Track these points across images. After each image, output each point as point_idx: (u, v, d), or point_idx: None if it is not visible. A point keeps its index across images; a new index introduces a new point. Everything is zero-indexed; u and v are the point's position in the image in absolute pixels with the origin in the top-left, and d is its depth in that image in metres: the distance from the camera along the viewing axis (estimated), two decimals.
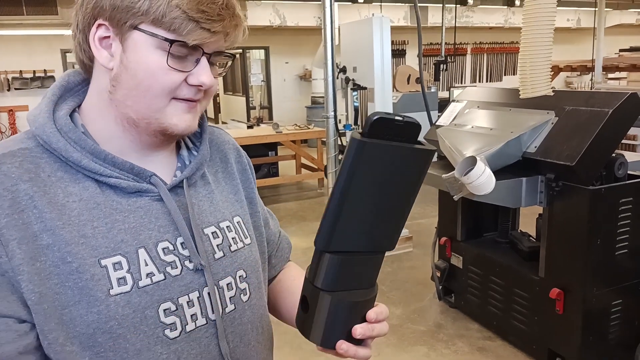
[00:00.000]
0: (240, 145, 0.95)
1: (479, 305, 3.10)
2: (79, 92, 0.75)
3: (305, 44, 10.63)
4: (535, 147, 2.48)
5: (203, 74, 0.67)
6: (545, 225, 2.53)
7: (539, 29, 2.42)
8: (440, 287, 3.40)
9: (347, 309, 0.63)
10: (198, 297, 0.71)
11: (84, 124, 0.71)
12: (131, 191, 0.69)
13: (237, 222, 0.82)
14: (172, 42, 0.64)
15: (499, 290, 2.93)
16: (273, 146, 7.00)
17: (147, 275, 0.67)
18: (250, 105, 11.40)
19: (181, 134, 0.71)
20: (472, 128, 2.86)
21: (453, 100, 3.39)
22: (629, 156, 2.60)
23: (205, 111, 0.80)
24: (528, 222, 3.31)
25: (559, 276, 2.50)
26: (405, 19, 10.23)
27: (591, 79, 7.44)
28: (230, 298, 0.75)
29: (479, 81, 12.61)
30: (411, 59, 11.57)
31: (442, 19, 8.41)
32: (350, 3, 9.14)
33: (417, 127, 0.57)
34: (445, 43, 8.61)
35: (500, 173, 2.39)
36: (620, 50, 8.68)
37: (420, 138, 0.59)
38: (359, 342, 0.66)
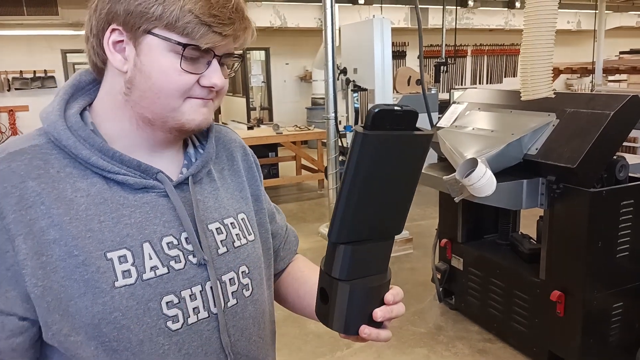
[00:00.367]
0: None
1: (480, 307, 3.10)
2: (89, 91, 0.77)
3: (305, 45, 10.64)
4: (536, 149, 2.48)
5: (215, 76, 0.70)
6: (546, 228, 2.53)
7: (540, 31, 2.42)
8: (441, 289, 3.40)
9: (365, 295, 0.66)
10: (200, 291, 0.73)
11: (94, 122, 0.73)
12: (138, 187, 0.72)
13: (242, 219, 0.84)
14: (185, 45, 0.67)
15: (499, 292, 2.92)
16: (273, 147, 7.00)
17: (151, 268, 0.69)
18: (251, 106, 11.40)
19: (197, 128, 0.74)
20: (473, 130, 2.86)
21: (454, 102, 3.38)
22: (630, 158, 2.60)
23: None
24: (528, 224, 3.31)
25: (559, 278, 2.49)
26: (405, 20, 10.23)
27: (591, 82, 7.45)
28: (232, 293, 0.77)
29: (479, 83, 12.62)
30: (411, 60, 11.58)
31: (443, 20, 8.42)
32: (350, 4, 9.14)
33: (415, 114, 0.60)
34: (446, 45, 8.62)
35: (501, 175, 2.39)
36: (621, 53, 8.69)
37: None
38: (378, 325, 0.68)
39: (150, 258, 0.70)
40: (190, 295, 0.72)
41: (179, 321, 0.71)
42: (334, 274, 0.64)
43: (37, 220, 0.64)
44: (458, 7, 9.37)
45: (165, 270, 0.70)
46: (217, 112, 12.77)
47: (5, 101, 8.60)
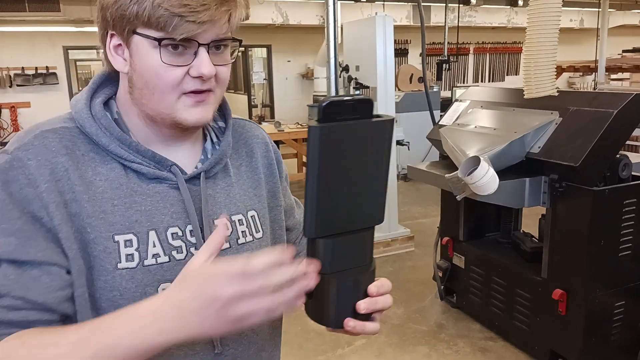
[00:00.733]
0: None
1: (481, 306, 3.10)
2: (117, 81, 0.80)
3: (307, 42, 10.61)
4: (539, 147, 2.47)
5: (202, 65, 0.70)
6: (549, 226, 2.52)
7: (544, 28, 2.41)
8: (442, 287, 3.40)
9: (347, 288, 0.65)
10: None
11: (119, 112, 0.78)
12: (151, 177, 0.75)
13: (251, 217, 0.85)
14: (159, 40, 0.68)
15: (501, 291, 2.92)
16: (275, 144, 6.99)
17: (153, 255, 0.72)
18: (252, 103, 11.39)
19: (194, 126, 0.75)
20: (475, 128, 2.85)
21: (456, 100, 3.38)
22: (633, 157, 2.59)
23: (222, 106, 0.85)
24: (530, 222, 3.31)
25: (561, 277, 2.49)
26: (408, 18, 10.20)
27: (594, 80, 7.42)
28: None
29: (482, 81, 12.59)
30: (413, 58, 11.55)
31: (445, 18, 8.39)
32: (353, 2, 9.11)
33: (369, 102, 0.60)
34: (448, 43, 8.60)
35: (503, 173, 2.38)
36: (624, 51, 8.66)
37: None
38: (366, 318, 0.68)
39: (154, 246, 0.73)
40: None
41: None
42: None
43: (64, 193, 0.69)
44: (460, 5, 9.35)
45: (166, 259, 0.73)
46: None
47: (7, 97, 8.59)
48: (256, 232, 0.84)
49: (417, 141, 4.90)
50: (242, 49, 11.01)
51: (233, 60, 0.76)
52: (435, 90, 7.35)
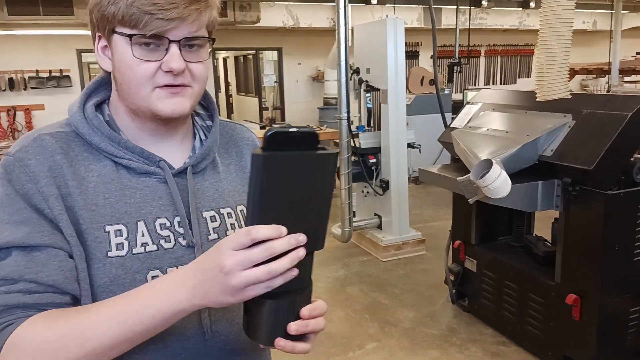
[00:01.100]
0: None
1: (493, 310, 3.07)
2: (110, 86, 0.85)
3: (317, 45, 10.62)
4: (552, 150, 2.45)
5: (172, 60, 0.74)
6: (562, 230, 2.50)
7: (557, 30, 2.39)
8: (454, 290, 3.38)
9: (282, 309, 0.68)
10: None
11: (111, 114, 0.84)
12: (140, 172, 0.80)
13: (240, 211, 0.89)
14: (131, 36, 0.73)
15: (513, 295, 2.89)
16: None
17: (142, 244, 0.77)
18: (263, 106, 11.42)
19: (172, 116, 0.79)
20: (487, 131, 2.83)
21: (468, 103, 3.36)
22: None
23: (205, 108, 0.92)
24: (543, 226, 3.28)
25: (575, 282, 2.46)
26: (418, 20, 10.18)
27: (607, 82, 7.35)
28: None
29: (493, 83, 12.52)
30: (424, 60, 11.52)
31: (456, 21, 8.36)
32: (363, 4, 9.11)
33: (314, 135, 0.63)
34: (459, 45, 8.56)
35: (515, 176, 2.36)
36: (637, 53, 8.57)
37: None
38: (299, 338, 0.70)
39: (143, 235, 0.77)
40: None
41: None
42: None
43: (60, 188, 0.75)
44: (472, 7, 9.31)
45: (154, 247, 0.78)
46: (230, 111, 12.82)
47: (21, 100, 8.70)
48: (245, 226, 0.86)
49: (428, 144, 4.88)
50: (253, 51, 11.06)
51: (207, 58, 0.80)
52: (446, 92, 7.32)
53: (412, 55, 11.11)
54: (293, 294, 0.68)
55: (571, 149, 2.38)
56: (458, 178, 2.46)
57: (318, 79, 11.03)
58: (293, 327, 0.68)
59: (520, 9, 10.68)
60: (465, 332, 3.13)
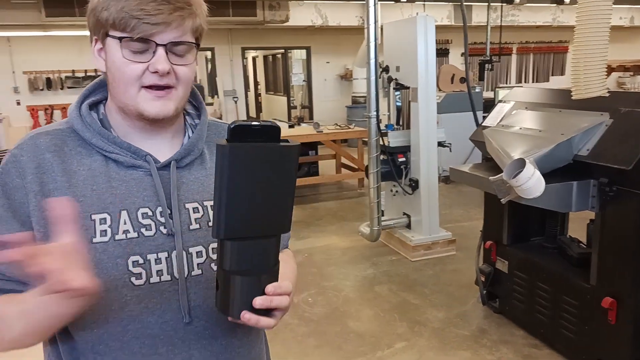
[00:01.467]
0: None
1: (525, 312, 3.02)
2: (106, 89, 0.93)
3: (346, 43, 10.62)
4: (588, 150, 2.40)
5: (157, 62, 0.81)
6: (597, 231, 2.44)
7: (594, 27, 2.34)
8: (485, 291, 3.33)
9: (248, 285, 0.74)
10: (166, 257, 0.86)
11: (105, 113, 0.91)
12: (128, 165, 0.87)
13: None
14: (120, 38, 0.80)
15: (546, 297, 2.84)
16: (313, 145, 7.02)
17: (124, 232, 0.84)
18: (291, 104, 11.48)
19: (157, 117, 0.85)
20: (520, 129, 2.79)
21: (500, 101, 3.31)
22: None
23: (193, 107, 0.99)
24: (576, 227, 3.20)
25: (611, 284, 2.40)
26: (448, 18, 10.07)
27: None
28: (198, 264, 0.88)
29: (525, 81, 12.28)
30: (454, 58, 11.38)
31: (487, 17, 8.23)
32: (392, 2, 9.06)
33: (275, 128, 0.69)
34: (490, 42, 8.43)
35: (549, 176, 2.32)
36: None
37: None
38: (266, 313, 0.77)
39: (125, 223, 0.84)
40: (155, 260, 0.85)
41: (141, 279, 0.84)
42: (223, 266, 0.74)
43: (47, 184, 0.83)
44: (503, 4, 9.15)
45: (135, 235, 0.84)
46: (259, 110, 12.92)
47: (58, 99, 8.98)
48: None
49: (458, 142, 4.82)
50: (282, 50, 11.12)
51: (193, 62, 0.86)
52: (477, 90, 7.22)
53: (442, 53, 11.00)
54: (260, 272, 0.75)
55: (608, 148, 2.32)
56: (490, 177, 2.43)
57: (346, 77, 11.03)
58: (258, 301, 0.75)
59: (555, 5, 10.45)
60: (496, 333, 3.09)
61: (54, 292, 0.69)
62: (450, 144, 4.53)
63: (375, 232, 4.30)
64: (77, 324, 0.83)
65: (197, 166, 0.93)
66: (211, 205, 0.90)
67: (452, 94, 6.79)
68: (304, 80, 11.19)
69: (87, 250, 0.80)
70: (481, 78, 7.90)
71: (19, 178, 0.83)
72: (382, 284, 3.85)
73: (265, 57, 12.94)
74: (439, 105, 4.54)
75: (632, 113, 2.33)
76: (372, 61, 4.02)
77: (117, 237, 0.83)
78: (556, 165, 2.47)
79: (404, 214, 4.62)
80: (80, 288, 0.68)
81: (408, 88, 4.40)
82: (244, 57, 10.71)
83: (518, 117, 2.94)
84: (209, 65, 10.51)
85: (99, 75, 0.92)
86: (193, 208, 0.89)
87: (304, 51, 11.14)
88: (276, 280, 0.78)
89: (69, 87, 8.92)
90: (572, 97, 2.41)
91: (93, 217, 0.83)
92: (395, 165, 4.45)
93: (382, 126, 4.34)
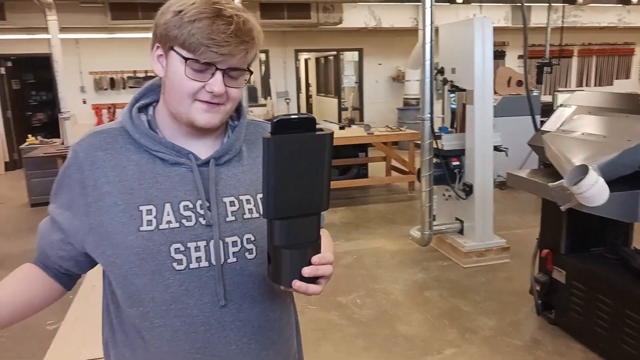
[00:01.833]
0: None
1: (583, 324, 2.91)
2: (158, 92, 1.02)
3: (398, 45, 10.54)
4: None
5: (214, 84, 0.90)
6: None
7: None
8: (540, 301, 3.23)
9: (296, 257, 0.84)
10: (205, 246, 0.94)
11: (153, 115, 1.00)
12: (172, 162, 0.96)
13: (260, 198, 1.00)
14: (187, 59, 0.89)
15: (607, 310, 2.72)
16: (363, 147, 7.01)
17: (167, 222, 0.93)
18: (342, 106, 11.49)
19: (206, 126, 0.94)
20: (582, 135, 2.69)
21: (560, 105, 3.20)
22: None
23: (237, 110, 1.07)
24: None
25: None
26: (506, 19, 9.81)
27: None
28: (233, 252, 0.96)
29: (586, 85, 11.78)
30: (511, 60, 11.07)
31: (548, 19, 7.97)
32: (448, 4, 8.92)
33: (311, 120, 0.78)
34: (550, 44, 8.15)
35: (614, 184, 2.23)
36: None
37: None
38: (312, 281, 0.85)
39: (168, 214, 0.93)
40: (195, 247, 0.93)
41: (182, 264, 0.93)
42: (273, 242, 0.82)
43: (99, 178, 0.94)
44: (565, 5, 8.82)
45: (177, 225, 0.93)
46: (310, 111, 13.03)
47: (121, 98, 9.39)
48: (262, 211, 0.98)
49: (513, 147, 4.69)
50: (335, 52, 11.16)
51: (243, 85, 0.95)
52: (535, 94, 7.00)
53: (498, 55, 10.72)
54: (306, 245, 0.84)
55: None
56: (550, 184, 2.36)
57: (398, 79, 10.94)
58: (307, 270, 0.84)
59: (620, 4, 9.99)
60: (551, 345, 2.98)
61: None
62: (507, 148, 4.41)
63: (426, 237, 4.24)
64: (127, 302, 0.95)
65: (235, 163, 1.00)
66: (247, 200, 0.99)
67: (509, 97, 6.61)
68: (355, 82, 11.18)
69: (135, 238, 0.91)
70: (539, 81, 7.66)
71: (79, 172, 0.95)
72: (432, 289, 3.80)
73: (317, 59, 13.03)
74: (495, 108, 4.43)
75: None
76: (427, 63, 3.98)
77: (161, 227, 0.92)
78: (621, 173, 2.37)
79: (457, 219, 4.54)
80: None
81: (464, 90, 4.33)
82: (296, 59, 10.82)
83: (580, 121, 2.84)
84: (263, 67, 10.69)
85: (157, 76, 1.00)
86: (230, 202, 0.97)
87: (356, 53, 11.14)
88: (319, 252, 0.86)
89: (130, 87, 9.31)
90: None
91: (140, 208, 0.92)
92: (449, 169, 4.38)
93: (436, 129, 4.29)
